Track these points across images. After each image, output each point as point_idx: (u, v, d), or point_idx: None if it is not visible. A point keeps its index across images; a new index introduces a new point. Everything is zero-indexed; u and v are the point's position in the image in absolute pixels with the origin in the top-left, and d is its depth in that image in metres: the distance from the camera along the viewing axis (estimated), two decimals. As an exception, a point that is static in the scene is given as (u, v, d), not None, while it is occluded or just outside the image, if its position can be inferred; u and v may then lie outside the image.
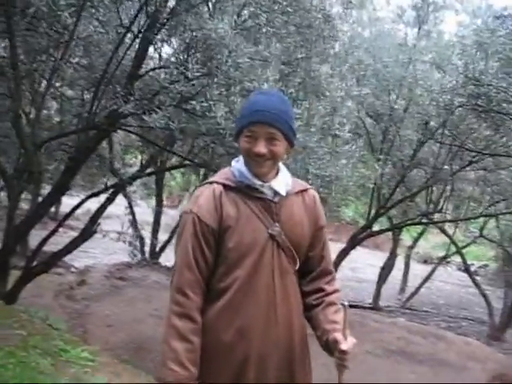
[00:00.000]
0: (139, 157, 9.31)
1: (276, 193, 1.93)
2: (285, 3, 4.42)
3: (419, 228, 11.63)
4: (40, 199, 6.48)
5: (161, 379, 1.81)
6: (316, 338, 1.98)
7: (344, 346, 1.79)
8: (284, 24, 4.61)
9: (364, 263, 14.19)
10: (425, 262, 15.61)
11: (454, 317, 10.64)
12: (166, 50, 5.12)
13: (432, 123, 7.24)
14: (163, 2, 4.18)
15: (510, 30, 5.89)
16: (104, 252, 11.28)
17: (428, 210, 8.48)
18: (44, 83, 5.44)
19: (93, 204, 6.53)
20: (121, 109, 4.03)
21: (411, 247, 12.43)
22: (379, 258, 12.30)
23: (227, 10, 4.66)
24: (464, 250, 11.04)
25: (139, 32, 4.45)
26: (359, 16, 8.43)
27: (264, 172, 1.90)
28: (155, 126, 3.90)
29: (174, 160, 8.42)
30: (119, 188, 6.36)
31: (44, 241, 5.96)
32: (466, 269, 10.76)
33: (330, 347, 1.86)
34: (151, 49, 4.84)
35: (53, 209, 12.93)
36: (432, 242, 16.42)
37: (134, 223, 10.32)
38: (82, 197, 6.35)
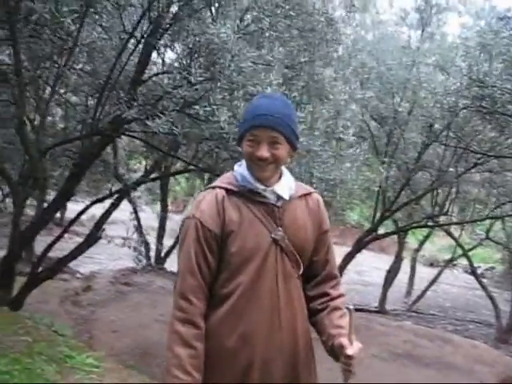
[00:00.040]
0: (143, 162, 9.33)
1: (279, 197, 1.91)
2: (287, 7, 4.42)
3: (425, 231, 11.60)
4: (45, 205, 6.49)
5: None
6: (321, 343, 1.97)
7: (350, 351, 1.77)
8: (287, 28, 4.61)
9: (370, 266, 14.15)
10: (431, 264, 15.57)
11: (460, 320, 10.59)
12: (170, 56, 5.14)
13: (436, 125, 7.23)
14: (166, 8, 4.19)
15: (514, 31, 5.88)
16: (109, 258, 11.30)
17: (433, 213, 8.45)
18: (48, 90, 5.46)
19: (98, 210, 6.54)
20: (124, 114, 4.04)
21: (417, 250, 12.39)
22: (385, 261, 12.27)
23: (230, 14, 4.67)
24: (470, 253, 10.99)
25: (142, 37, 4.45)
26: (362, 19, 8.43)
27: (267, 176, 1.88)
28: (158, 131, 3.90)
29: (179, 165, 8.43)
30: (124, 193, 6.36)
31: (49, 247, 5.97)
32: (473, 271, 10.72)
33: (336, 352, 1.85)
34: (154, 54, 4.85)
35: (58, 215, 12.98)
36: (438, 245, 16.36)
37: (139, 228, 10.34)
38: (87, 203, 6.35)
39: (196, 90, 4.03)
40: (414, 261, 12.27)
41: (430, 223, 9.07)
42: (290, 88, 4.60)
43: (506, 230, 10.75)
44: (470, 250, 11.14)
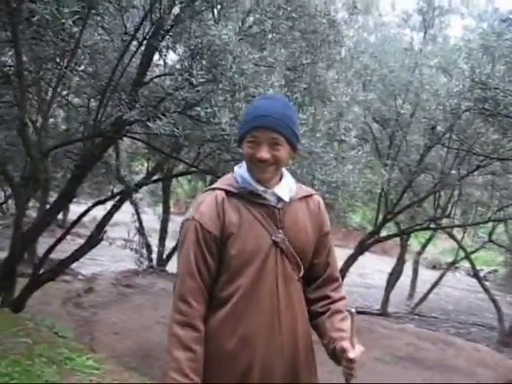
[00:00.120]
0: (146, 164, 9.33)
1: (279, 199, 1.90)
2: (289, 9, 4.42)
3: (427, 233, 11.56)
4: (47, 207, 6.49)
5: None
6: (323, 347, 1.95)
7: (351, 355, 1.76)
8: (289, 30, 4.61)
9: (372, 269, 14.13)
10: (433, 267, 15.52)
11: (463, 323, 10.56)
12: (171, 57, 5.13)
13: (439, 128, 7.21)
14: (167, 10, 4.19)
15: (517, 33, 5.87)
16: (111, 259, 11.30)
17: (436, 215, 8.43)
18: (50, 91, 5.46)
19: (100, 211, 6.54)
20: (126, 116, 4.03)
21: (419, 253, 12.36)
22: (387, 264, 12.24)
23: (232, 16, 4.67)
24: (473, 256, 10.95)
25: (144, 39, 4.45)
26: (365, 21, 8.43)
27: (267, 178, 1.87)
28: (160, 133, 3.90)
29: (181, 167, 8.43)
30: (125, 195, 6.36)
31: (51, 248, 5.97)
32: (475, 274, 10.68)
33: (338, 356, 1.83)
34: (156, 56, 4.84)
35: (61, 216, 12.99)
36: (440, 248, 16.33)
37: (141, 230, 10.35)
38: (90, 204, 6.35)
39: (197, 91, 4.03)
40: (416, 263, 12.23)
41: (432, 226, 9.05)
42: (291, 90, 4.58)
43: (508, 233, 10.73)
44: (473, 252, 11.10)
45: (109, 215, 6.36)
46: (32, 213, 9.18)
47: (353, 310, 1.79)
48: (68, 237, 6.84)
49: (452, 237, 10.46)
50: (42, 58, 4.86)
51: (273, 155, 1.84)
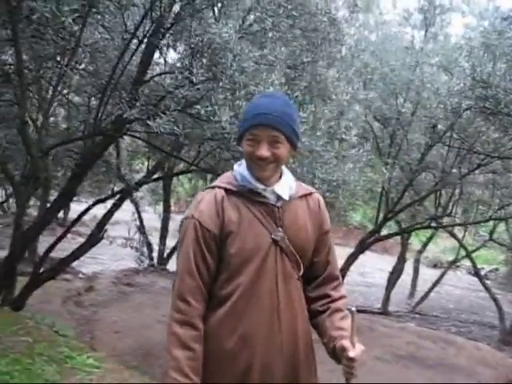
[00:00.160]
0: (146, 163, 9.33)
1: (279, 197, 1.89)
2: (290, 7, 4.40)
3: (428, 232, 11.56)
4: (48, 206, 6.49)
5: None
6: (323, 345, 1.95)
7: (352, 354, 1.75)
8: (289, 28, 4.60)
9: (373, 268, 14.11)
10: (434, 266, 15.51)
11: (464, 321, 10.55)
12: (172, 55, 5.13)
13: (440, 126, 7.20)
14: (168, 8, 4.18)
15: (518, 31, 5.86)
16: (112, 258, 11.30)
17: (437, 214, 8.41)
18: (51, 90, 5.46)
19: (101, 210, 6.54)
20: (126, 114, 4.02)
21: (420, 251, 12.34)
22: (388, 263, 12.23)
23: (232, 14, 4.66)
24: (474, 254, 10.94)
25: (144, 37, 4.44)
26: (365, 19, 8.41)
27: (267, 176, 1.87)
28: (160, 132, 3.89)
29: (182, 165, 8.42)
30: (126, 194, 6.35)
31: (51, 247, 5.97)
32: (476, 273, 10.67)
33: (338, 355, 1.83)
34: (156, 54, 4.84)
35: (61, 215, 13.01)
36: (441, 246, 16.32)
37: (141, 229, 10.35)
38: (90, 203, 6.35)
39: (198, 89, 4.02)
40: (417, 262, 12.22)
41: (433, 224, 9.03)
42: (292, 88, 4.58)
43: (509, 232, 10.71)
44: (474, 251, 11.09)
45: (109, 214, 6.35)
46: (33, 211, 9.20)
47: (353, 309, 1.78)
48: (68, 235, 6.85)
49: (453, 235, 10.45)
50: (43, 57, 4.87)
51: (273, 153, 1.83)
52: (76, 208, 8.49)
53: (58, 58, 4.88)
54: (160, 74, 4.79)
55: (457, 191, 8.42)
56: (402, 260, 11.05)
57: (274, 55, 4.27)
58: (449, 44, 8.19)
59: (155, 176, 8.07)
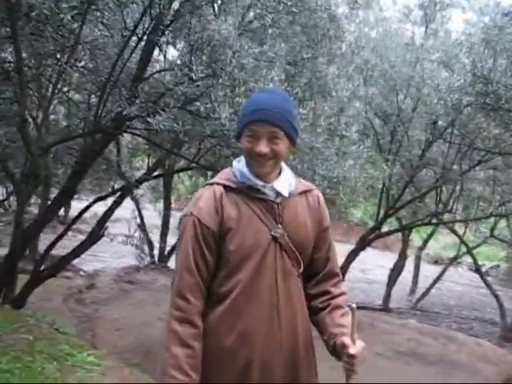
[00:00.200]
0: (146, 160, 9.32)
1: (278, 194, 1.88)
2: (290, 3, 4.39)
3: (429, 228, 11.54)
4: (49, 203, 6.49)
5: None
6: (323, 343, 1.94)
7: (352, 351, 1.75)
8: (289, 24, 4.59)
9: (374, 264, 14.11)
10: (435, 262, 15.50)
11: (465, 318, 10.55)
12: (171, 52, 5.12)
13: (440, 123, 7.19)
14: (167, 5, 4.17)
15: (519, 27, 5.84)
16: (113, 256, 11.30)
17: (437, 211, 8.41)
18: (51, 87, 5.45)
19: (101, 208, 6.53)
20: (125, 111, 4.02)
21: (421, 248, 12.34)
22: (389, 259, 12.23)
23: (232, 11, 4.65)
24: (475, 251, 10.93)
25: (144, 35, 4.43)
26: (365, 16, 8.38)
27: (266, 172, 1.86)
28: (159, 128, 3.89)
29: (182, 163, 8.41)
30: (126, 191, 6.35)
31: (52, 245, 5.96)
32: (477, 269, 10.66)
33: (338, 351, 1.82)
34: (156, 51, 4.83)
35: (62, 213, 13.00)
36: (442, 243, 16.31)
37: (142, 227, 10.35)
38: (91, 201, 6.35)
39: (197, 86, 4.01)
40: (418, 259, 12.22)
41: (434, 221, 9.02)
42: (292, 85, 4.57)
43: (510, 228, 10.70)
44: (475, 247, 11.08)
45: (110, 211, 6.34)
46: (34, 209, 9.20)
47: (353, 306, 1.77)
48: (69, 233, 6.85)
49: (454, 232, 10.44)
50: (42, 54, 4.86)
51: (272, 149, 1.82)
52: (77, 206, 8.49)
53: (58, 56, 4.87)
54: (159, 71, 4.78)
55: (457, 188, 8.41)
56: (402, 256, 11.04)
57: (273, 52, 4.26)
58: (449, 40, 8.15)
59: (156, 173, 8.06)
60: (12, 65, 4.72)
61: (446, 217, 9.00)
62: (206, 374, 1.79)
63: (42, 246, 7.56)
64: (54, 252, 6.17)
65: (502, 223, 10.66)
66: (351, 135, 5.18)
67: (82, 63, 5.30)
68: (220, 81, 3.97)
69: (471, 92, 6.08)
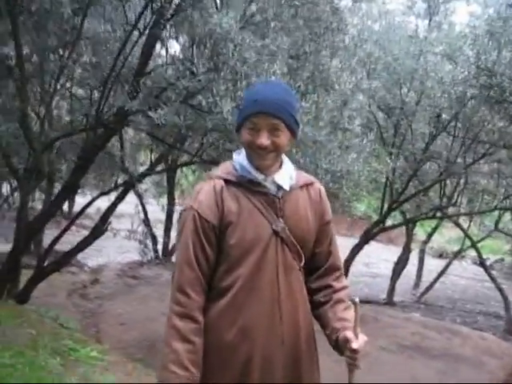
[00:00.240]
0: (149, 155, 9.31)
1: (279, 187, 1.86)
2: (292, -4, 4.37)
3: (433, 222, 11.50)
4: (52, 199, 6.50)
5: (163, 381, 1.77)
6: (326, 337, 1.93)
7: (355, 345, 1.73)
8: (292, 17, 4.56)
9: (378, 258, 14.09)
10: (439, 256, 15.46)
11: (469, 311, 10.52)
12: (173, 47, 5.10)
13: (444, 116, 7.15)
14: (168, -2, 4.15)
15: (523, 18, 5.80)
16: (117, 251, 11.32)
17: (442, 204, 8.38)
18: (53, 83, 5.44)
19: (105, 203, 6.54)
20: (127, 106, 4.01)
21: (425, 242, 12.30)
22: (393, 253, 12.21)
23: (234, 4, 4.62)
24: (479, 244, 10.89)
25: (145, 29, 4.42)
26: (369, 9, 8.33)
27: (267, 165, 1.84)
28: (161, 123, 3.87)
29: (186, 158, 8.40)
30: (129, 186, 6.35)
31: (56, 240, 5.97)
32: (482, 263, 10.61)
33: (341, 346, 1.81)
34: (158, 46, 4.82)
35: (66, 208, 13.04)
36: (446, 236, 16.26)
37: (146, 221, 10.36)
38: (95, 196, 6.35)
39: (199, 80, 4.00)
40: (422, 252, 12.18)
41: (438, 214, 9.00)
42: (294, 78, 4.54)
43: (515, 221, 10.67)
44: (479, 241, 11.04)
45: (113, 206, 6.34)
46: (38, 205, 9.22)
47: (356, 300, 1.76)
48: (73, 228, 6.87)
49: (458, 225, 10.39)
50: (44, 49, 4.85)
51: (273, 141, 1.80)
52: (81, 201, 8.51)
53: (60, 51, 4.86)
54: (161, 66, 4.77)
55: (462, 181, 8.38)
56: (407, 250, 11.01)
57: (276, 45, 4.23)
58: (453, 32, 8.10)
59: (159, 168, 8.06)
60: (13, 60, 4.71)
61: (451, 210, 8.97)
62: (206, 369, 1.77)
63: (46, 241, 7.58)
64: (58, 247, 6.18)
65: (507, 216, 10.61)
66: (354, 128, 5.15)
67: (84, 58, 5.30)
68: (222, 75, 3.96)
69: (475, 85, 6.05)
